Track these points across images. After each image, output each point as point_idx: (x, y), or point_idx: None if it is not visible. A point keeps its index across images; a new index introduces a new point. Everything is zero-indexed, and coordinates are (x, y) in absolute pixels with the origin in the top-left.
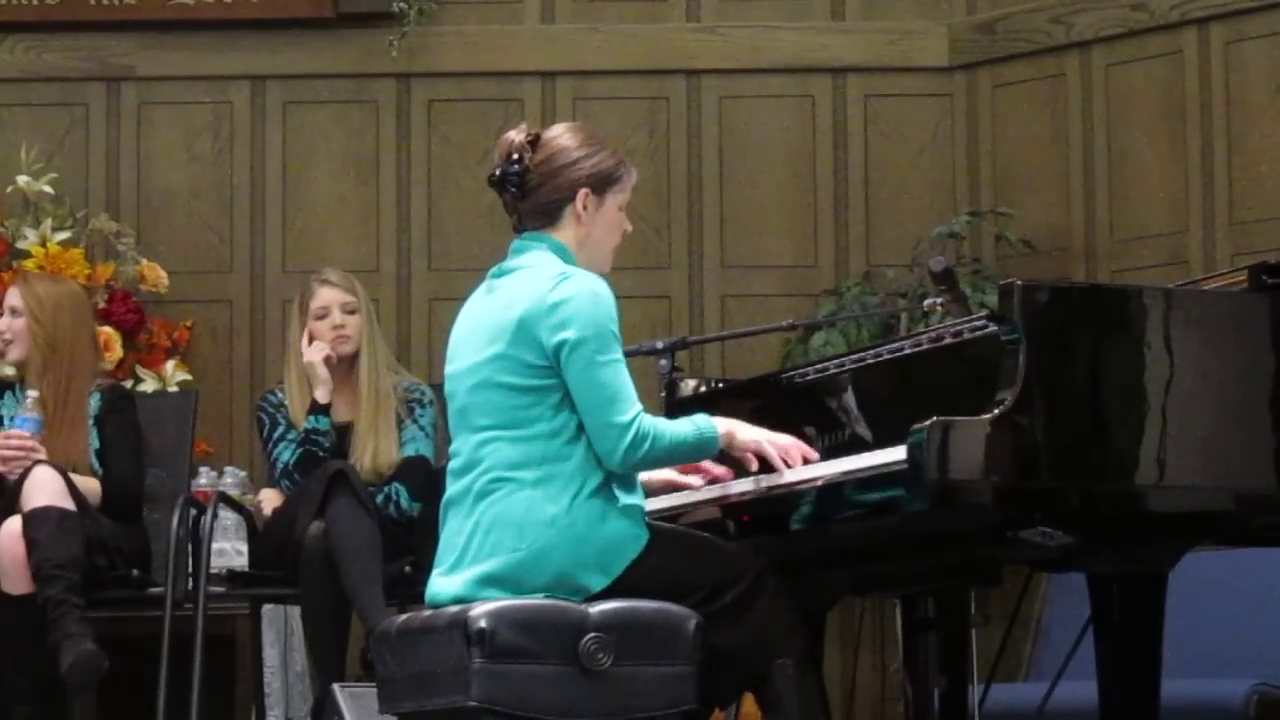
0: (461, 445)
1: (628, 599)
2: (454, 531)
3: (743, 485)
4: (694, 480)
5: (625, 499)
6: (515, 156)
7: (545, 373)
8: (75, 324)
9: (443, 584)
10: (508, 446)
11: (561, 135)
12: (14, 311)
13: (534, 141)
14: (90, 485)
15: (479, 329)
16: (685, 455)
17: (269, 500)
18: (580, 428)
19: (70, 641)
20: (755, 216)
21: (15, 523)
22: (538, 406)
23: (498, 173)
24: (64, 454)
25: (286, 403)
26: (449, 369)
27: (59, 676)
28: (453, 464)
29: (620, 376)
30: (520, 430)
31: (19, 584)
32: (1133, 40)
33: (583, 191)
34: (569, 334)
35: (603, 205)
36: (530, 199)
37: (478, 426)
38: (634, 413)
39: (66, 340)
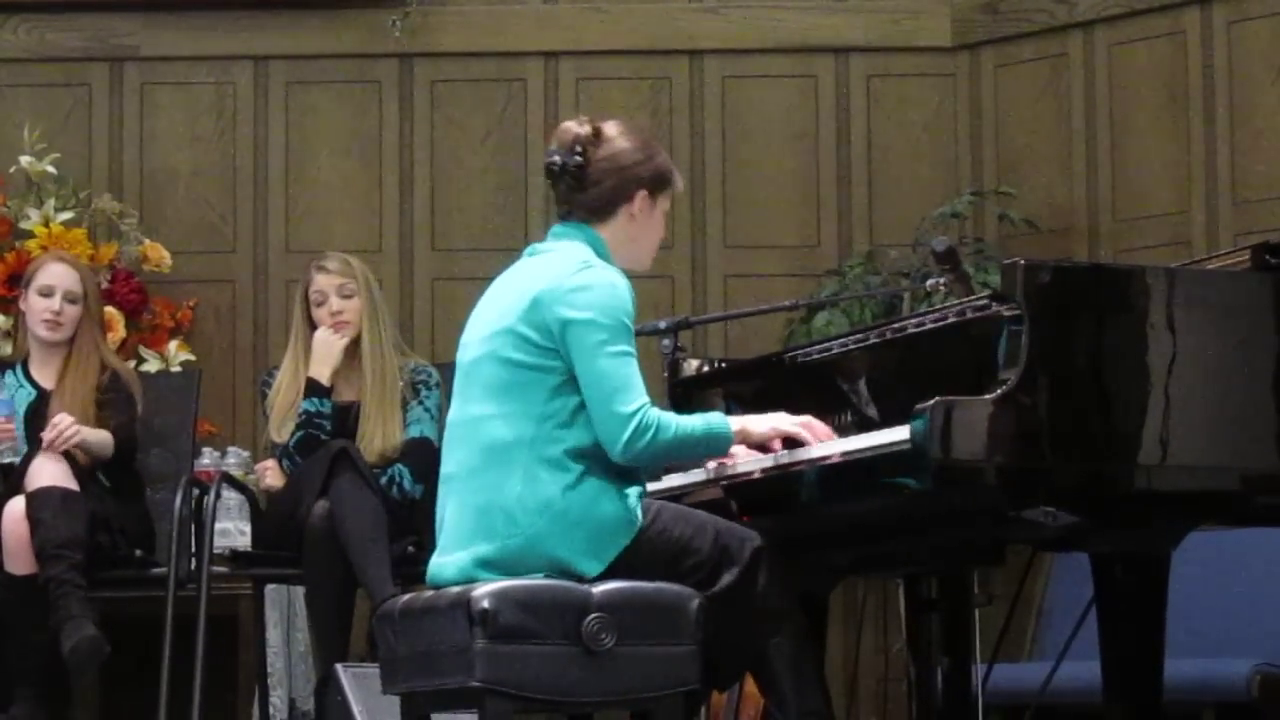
0: (458, 416)
1: (629, 579)
2: (450, 511)
3: (744, 465)
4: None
5: (622, 485)
6: (579, 149)
7: (548, 354)
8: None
9: (442, 564)
10: (500, 424)
11: (623, 134)
12: (71, 298)
13: (596, 135)
14: (102, 436)
15: (497, 302)
16: (694, 450)
17: (271, 471)
18: (574, 414)
19: (72, 624)
20: (758, 196)
21: (19, 503)
22: (535, 387)
23: (558, 161)
24: (81, 423)
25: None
26: (464, 338)
27: (62, 656)
28: (447, 434)
29: (628, 368)
30: (514, 407)
31: (23, 564)
32: (1135, 20)
33: (642, 193)
34: (579, 316)
35: (654, 208)
36: (588, 193)
37: (475, 398)
38: (639, 404)
39: (99, 319)
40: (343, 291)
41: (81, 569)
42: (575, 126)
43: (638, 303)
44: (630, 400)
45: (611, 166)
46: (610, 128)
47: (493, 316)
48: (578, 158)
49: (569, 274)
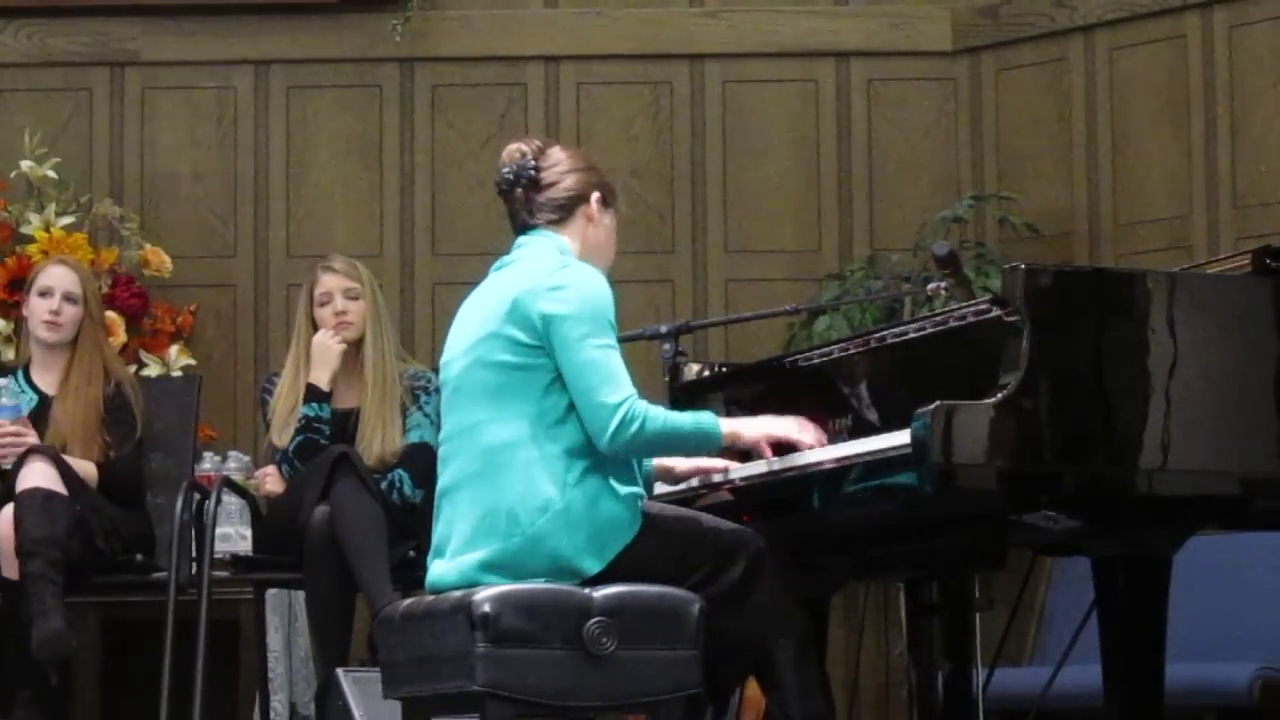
0: (451, 428)
1: (630, 583)
2: (449, 520)
3: (746, 470)
4: (718, 463)
5: (620, 483)
6: (531, 160)
7: (535, 352)
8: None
9: (442, 570)
10: (496, 428)
11: (565, 148)
12: (70, 298)
13: (542, 149)
14: (87, 469)
15: (474, 316)
16: (682, 444)
17: (271, 477)
18: (568, 411)
19: (40, 620)
20: (758, 201)
21: (11, 509)
22: (525, 386)
23: (512, 173)
24: (82, 432)
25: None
26: (444, 358)
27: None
28: (442, 450)
29: (613, 360)
30: (507, 409)
31: (15, 569)
32: (1136, 24)
33: (596, 195)
34: (562, 310)
35: (606, 216)
36: (545, 192)
37: (466, 406)
38: (625, 394)
39: (101, 322)
40: (349, 293)
41: (59, 565)
42: (521, 144)
43: (639, 307)
44: (616, 391)
45: (565, 168)
46: (553, 144)
47: (474, 326)
48: (531, 163)
49: (547, 273)
